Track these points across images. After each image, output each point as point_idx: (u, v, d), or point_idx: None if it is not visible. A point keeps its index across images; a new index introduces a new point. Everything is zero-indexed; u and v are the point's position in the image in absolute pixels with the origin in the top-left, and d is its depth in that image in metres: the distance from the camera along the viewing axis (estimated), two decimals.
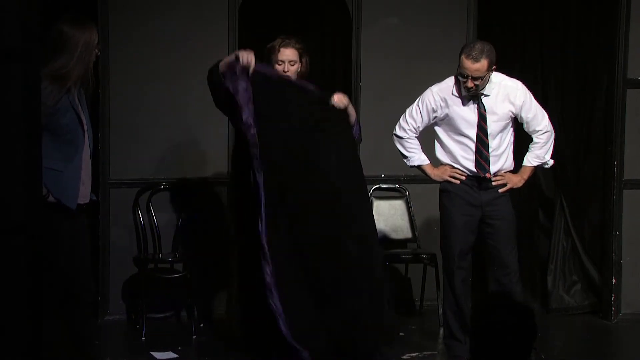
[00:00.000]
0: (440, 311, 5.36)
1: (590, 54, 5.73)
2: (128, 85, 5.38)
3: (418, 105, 4.47)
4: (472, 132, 4.34)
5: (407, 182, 5.76)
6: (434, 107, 4.42)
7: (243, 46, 5.52)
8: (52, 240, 3.70)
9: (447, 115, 4.39)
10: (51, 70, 3.71)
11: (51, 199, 3.74)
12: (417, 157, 4.55)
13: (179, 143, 5.48)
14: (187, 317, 5.36)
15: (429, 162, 4.57)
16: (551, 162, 4.47)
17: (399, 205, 5.75)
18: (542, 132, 4.39)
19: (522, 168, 4.44)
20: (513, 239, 4.41)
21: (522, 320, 4.10)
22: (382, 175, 5.76)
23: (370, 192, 5.69)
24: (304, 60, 4.50)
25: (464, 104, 4.36)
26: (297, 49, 4.47)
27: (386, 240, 5.70)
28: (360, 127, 4.58)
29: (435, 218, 5.79)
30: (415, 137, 4.54)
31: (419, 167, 4.59)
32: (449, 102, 4.38)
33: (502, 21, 5.78)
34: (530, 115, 4.36)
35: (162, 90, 5.43)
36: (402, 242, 5.77)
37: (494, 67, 4.29)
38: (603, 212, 5.64)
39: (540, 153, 4.42)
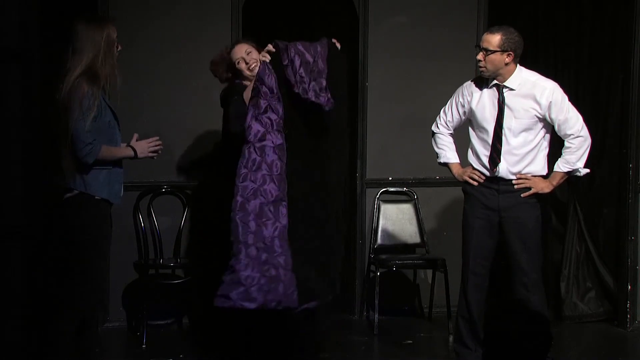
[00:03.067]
0: (449, 318, 5.29)
1: (605, 52, 5.64)
2: (129, 86, 5.23)
3: (450, 100, 4.47)
4: (491, 126, 4.24)
5: (415, 185, 5.67)
6: (462, 101, 4.39)
7: None
8: (101, 235, 3.88)
9: (471, 108, 4.34)
10: (84, 72, 3.74)
11: (103, 196, 3.83)
12: (444, 154, 4.49)
13: (181, 146, 5.42)
14: (189, 324, 5.27)
15: (457, 161, 4.48)
16: (585, 170, 4.27)
17: (407, 209, 5.65)
18: (573, 136, 4.22)
19: (552, 174, 4.30)
20: (533, 246, 4.26)
21: (535, 329, 3.93)
22: (390, 178, 5.67)
23: (377, 196, 5.63)
24: (258, 50, 4.50)
25: (486, 96, 4.29)
26: (247, 42, 4.57)
27: (394, 245, 5.61)
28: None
29: (445, 222, 5.71)
30: (449, 133, 4.50)
31: (446, 164, 4.49)
32: (474, 94, 4.34)
33: (513, 19, 5.67)
34: (560, 118, 4.21)
35: (163, 92, 5.38)
36: (410, 247, 5.68)
37: (511, 54, 4.19)
38: (618, 217, 5.54)
39: (570, 159, 4.23)
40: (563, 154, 4.26)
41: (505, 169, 4.24)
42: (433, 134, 4.54)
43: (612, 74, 5.64)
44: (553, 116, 4.20)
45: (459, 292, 4.42)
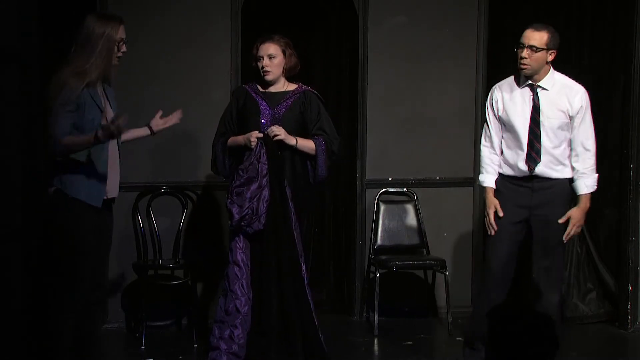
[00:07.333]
0: (450, 319, 5.27)
1: (606, 52, 5.63)
2: (127, 87, 5.26)
3: (486, 110, 4.40)
4: (525, 125, 4.22)
5: (415, 185, 5.66)
6: (494, 100, 4.33)
7: (245, 47, 5.44)
8: (78, 235, 3.75)
9: (503, 108, 4.29)
10: (71, 69, 3.72)
11: (76, 197, 3.74)
12: (483, 176, 4.37)
13: (180, 146, 5.40)
14: (188, 325, 5.27)
15: (492, 186, 4.35)
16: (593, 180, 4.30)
17: (407, 209, 5.64)
18: (581, 150, 4.22)
19: (580, 198, 4.26)
20: (556, 246, 4.25)
21: (546, 332, 3.91)
22: (390, 179, 5.65)
23: (377, 196, 5.61)
24: (288, 53, 4.49)
25: (519, 96, 4.27)
26: (278, 44, 4.48)
27: (394, 246, 5.59)
28: (326, 159, 4.48)
29: (445, 223, 5.69)
30: (491, 151, 4.35)
31: (482, 186, 4.41)
32: (505, 95, 4.30)
33: (514, 20, 5.66)
34: (578, 121, 4.20)
35: (162, 92, 5.35)
36: (411, 248, 5.66)
37: (554, 52, 4.19)
38: (619, 217, 5.51)
39: (589, 182, 4.25)
40: (579, 177, 4.24)
41: (542, 168, 4.22)
42: (482, 147, 4.43)
43: (612, 74, 5.63)
44: (576, 120, 4.21)
45: (477, 291, 4.38)
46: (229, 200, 4.38)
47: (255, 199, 4.32)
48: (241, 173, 4.37)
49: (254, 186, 4.33)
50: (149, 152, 5.36)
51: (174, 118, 4.16)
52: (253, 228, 4.34)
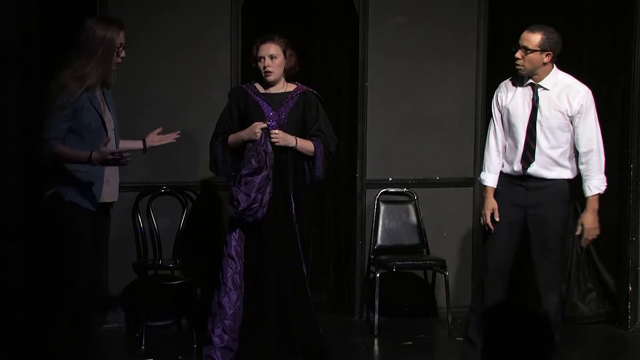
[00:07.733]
0: (450, 319, 5.27)
1: (606, 53, 5.62)
2: (127, 87, 5.24)
3: (492, 107, 4.40)
4: (524, 125, 4.21)
5: (415, 185, 5.66)
6: (499, 97, 4.33)
7: (245, 47, 5.44)
8: (75, 238, 3.76)
9: (506, 105, 4.29)
10: (71, 72, 3.72)
11: (73, 200, 3.74)
12: (485, 174, 4.36)
13: (179, 146, 5.32)
14: (188, 325, 5.27)
15: (492, 186, 4.35)
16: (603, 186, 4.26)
17: (407, 209, 5.64)
18: (586, 153, 4.19)
19: (588, 201, 4.24)
20: (555, 246, 4.23)
21: (544, 333, 3.94)
22: (390, 179, 5.65)
23: (377, 196, 5.60)
24: (288, 54, 4.48)
25: (520, 95, 4.26)
26: (279, 44, 4.47)
27: (394, 246, 5.59)
28: (324, 160, 4.50)
29: (445, 223, 5.68)
30: (497, 145, 4.33)
31: (483, 184, 4.40)
32: (509, 93, 4.29)
33: (514, 20, 5.66)
34: (578, 121, 4.17)
35: (162, 92, 5.36)
36: (411, 248, 5.65)
37: (550, 54, 4.15)
38: (619, 217, 5.50)
39: (595, 183, 4.22)
40: (585, 180, 4.23)
41: (536, 168, 4.21)
42: (485, 146, 4.44)
43: (612, 74, 5.63)
44: (576, 120, 4.19)
45: (474, 287, 4.38)
46: (235, 187, 4.35)
47: (261, 190, 4.32)
48: (253, 162, 4.34)
49: (262, 175, 4.33)
50: (148, 152, 5.34)
51: (170, 137, 4.18)
52: (255, 217, 4.34)
